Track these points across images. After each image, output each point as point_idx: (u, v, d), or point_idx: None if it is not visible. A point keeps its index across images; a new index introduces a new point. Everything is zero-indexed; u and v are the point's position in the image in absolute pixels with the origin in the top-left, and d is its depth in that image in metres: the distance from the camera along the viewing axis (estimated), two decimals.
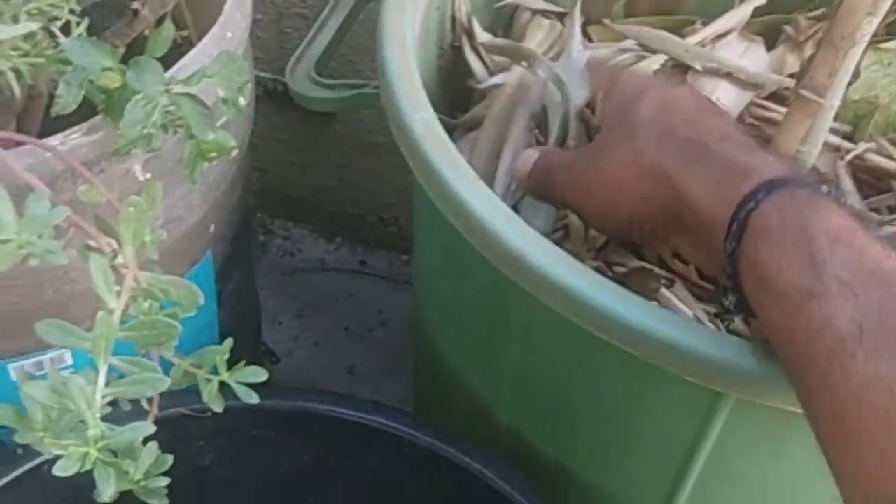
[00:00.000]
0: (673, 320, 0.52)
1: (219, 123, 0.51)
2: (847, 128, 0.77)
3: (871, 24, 0.62)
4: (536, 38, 0.79)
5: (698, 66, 0.76)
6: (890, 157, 0.77)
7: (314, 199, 1.20)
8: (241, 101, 0.51)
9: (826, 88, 0.61)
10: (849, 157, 0.76)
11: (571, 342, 0.58)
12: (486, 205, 0.56)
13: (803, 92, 0.62)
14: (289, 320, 1.16)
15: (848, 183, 0.76)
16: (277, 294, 1.18)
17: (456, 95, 0.77)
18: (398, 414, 0.69)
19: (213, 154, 0.51)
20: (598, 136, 0.62)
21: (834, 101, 0.67)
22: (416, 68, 0.62)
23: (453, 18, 0.76)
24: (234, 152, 0.52)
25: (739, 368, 0.51)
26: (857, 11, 0.58)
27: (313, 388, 1.10)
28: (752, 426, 0.58)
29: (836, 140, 0.77)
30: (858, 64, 0.77)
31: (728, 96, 0.76)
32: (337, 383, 1.12)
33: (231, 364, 0.56)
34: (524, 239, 0.55)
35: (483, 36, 0.77)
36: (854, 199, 0.74)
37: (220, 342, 0.74)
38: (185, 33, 0.74)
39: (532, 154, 0.64)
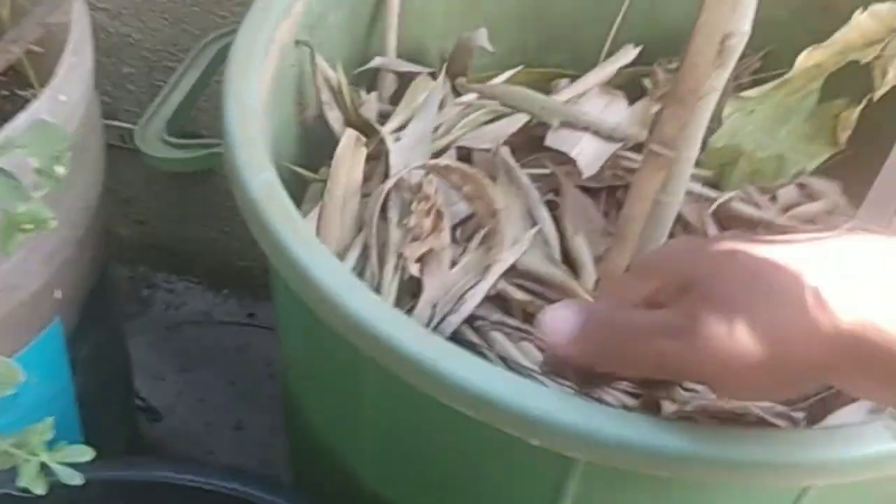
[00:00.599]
0: (511, 383, 0.51)
1: (39, 194, 0.49)
2: (709, 174, 0.77)
3: (721, 78, 0.62)
4: (419, 98, 0.79)
5: (555, 123, 0.76)
6: (756, 205, 0.78)
7: (198, 251, 1.18)
8: (59, 170, 0.49)
9: (675, 142, 0.61)
10: (713, 207, 0.76)
11: (417, 406, 0.56)
12: (326, 270, 0.54)
13: (653, 146, 0.62)
14: (172, 376, 1.13)
15: (714, 231, 0.76)
16: (161, 350, 1.15)
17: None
18: (256, 480, 0.67)
19: (29, 226, 0.48)
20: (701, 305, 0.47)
21: (690, 153, 0.67)
22: (261, 131, 0.61)
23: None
24: (53, 224, 0.49)
25: (585, 432, 0.50)
26: (700, 67, 0.58)
27: (174, 456, 1.06)
28: (607, 491, 0.57)
29: (700, 189, 0.77)
30: (719, 112, 0.80)
31: (589, 149, 0.76)
32: (223, 440, 1.09)
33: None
34: (364, 304, 0.53)
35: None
36: None
37: (79, 409, 0.71)
38: (29, 92, 0.72)
39: (569, 314, 0.51)
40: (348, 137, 0.72)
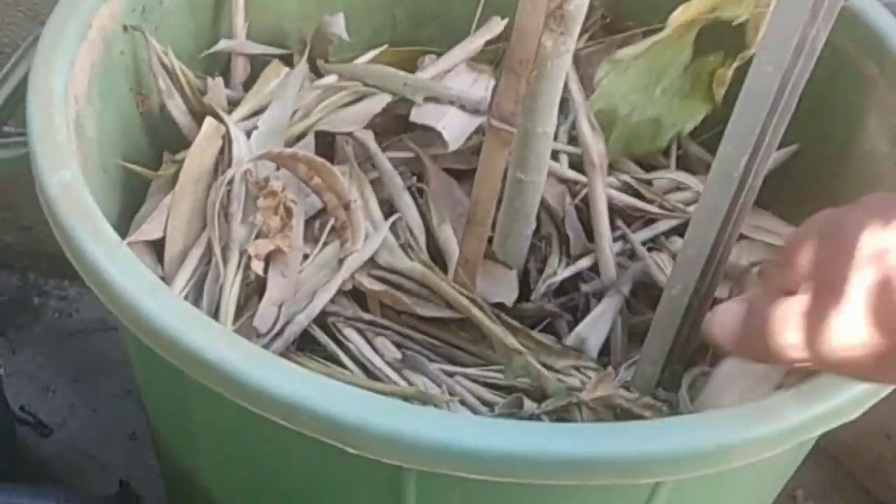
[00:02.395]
0: (320, 387, 0.47)
1: None
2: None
3: (563, 45, 0.58)
4: (271, 85, 0.74)
5: (419, 99, 0.72)
6: (636, 193, 0.74)
7: None
8: None
9: (514, 115, 0.57)
10: (576, 200, 0.72)
11: (235, 415, 0.52)
12: (128, 275, 0.50)
13: (493, 121, 0.58)
14: (64, 387, 1.08)
15: (574, 221, 0.72)
16: (52, 360, 1.10)
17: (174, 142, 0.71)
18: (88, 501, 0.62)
19: None
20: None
21: (544, 127, 0.63)
22: (68, 124, 0.56)
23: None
24: None
25: (401, 438, 0.46)
26: (530, 34, 0.54)
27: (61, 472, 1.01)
28: (451, 498, 0.53)
29: (569, 174, 0.73)
30: (591, 76, 0.76)
31: (454, 122, 0.72)
32: (118, 451, 1.04)
33: None
34: (166, 308, 0.49)
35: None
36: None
37: None
38: None
39: (736, 309, 0.49)
40: (207, 126, 0.68)
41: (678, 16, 0.71)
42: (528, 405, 0.60)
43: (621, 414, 0.60)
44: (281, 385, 0.47)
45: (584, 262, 0.71)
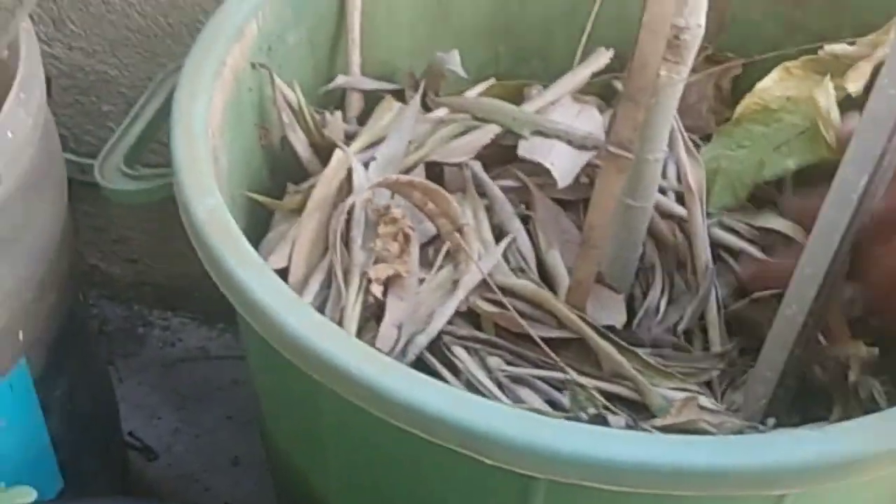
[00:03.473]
0: (457, 400, 0.49)
1: None
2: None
3: (677, 74, 0.61)
4: (384, 119, 0.77)
5: (526, 133, 0.74)
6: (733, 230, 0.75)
7: (191, 286, 1.16)
8: None
9: (631, 142, 0.59)
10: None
11: (371, 430, 0.54)
12: (272, 293, 0.53)
13: (609, 147, 0.60)
14: (168, 414, 1.12)
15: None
16: (157, 388, 1.14)
17: (291, 174, 0.75)
18: None
19: None
20: None
21: (655, 154, 0.65)
22: (209, 155, 0.59)
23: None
24: None
25: (543, 449, 0.48)
26: (649, 64, 0.56)
27: (169, 495, 1.04)
28: None
29: (676, 208, 0.74)
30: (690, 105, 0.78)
31: (563, 158, 0.74)
32: (220, 475, 1.07)
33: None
34: (308, 326, 0.52)
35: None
36: None
37: (55, 450, 0.70)
38: None
39: None
40: (336, 159, 0.71)
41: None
42: (615, 422, 0.62)
43: None
44: (419, 396, 0.49)
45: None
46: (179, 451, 1.09)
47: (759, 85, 0.73)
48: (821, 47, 0.72)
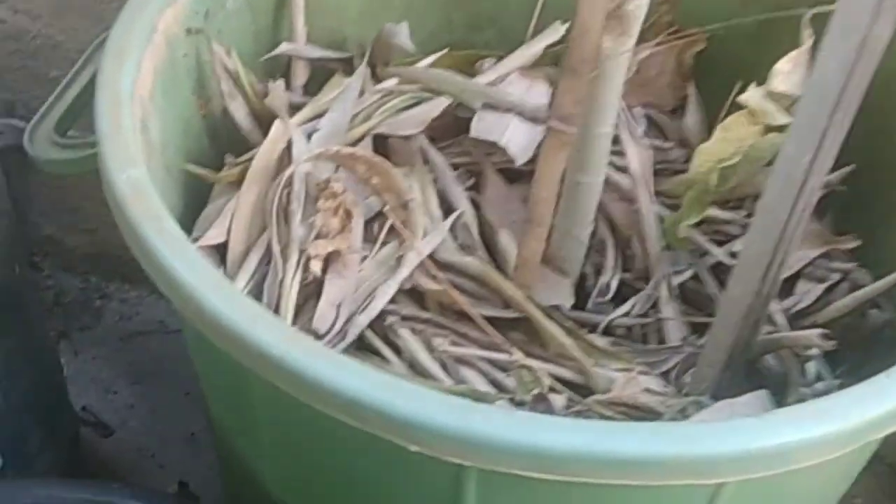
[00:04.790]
0: (383, 385, 0.47)
1: None
2: None
3: (622, 46, 0.58)
4: (334, 93, 0.75)
5: (477, 105, 0.72)
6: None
7: None
8: None
9: (574, 116, 0.57)
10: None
11: (299, 412, 0.52)
12: (194, 272, 0.51)
13: (552, 122, 0.58)
14: (124, 388, 1.10)
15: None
16: (113, 362, 1.12)
17: (236, 144, 0.72)
18: (149, 496, 0.63)
19: None
20: None
21: (602, 128, 0.63)
22: (135, 125, 0.57)
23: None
24: None
25: (469, 436, 0.46)
26: (590, 34, 0.54)
27: (124, 471, 1.03)
28: (512, 497, 0.53)
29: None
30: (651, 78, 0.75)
31: (519, 132, 0.72)
32: (176, 451, 1.06)
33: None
34: (229, 305, 0.50)
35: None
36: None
37: None
38: None
39: None
40: (275, 129, 0.69)
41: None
42: (559, 403, 0.60)
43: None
44: (344, 382, 0.47)
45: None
46: (134, 427, 1.07)
47: (703, 145, 0.70)
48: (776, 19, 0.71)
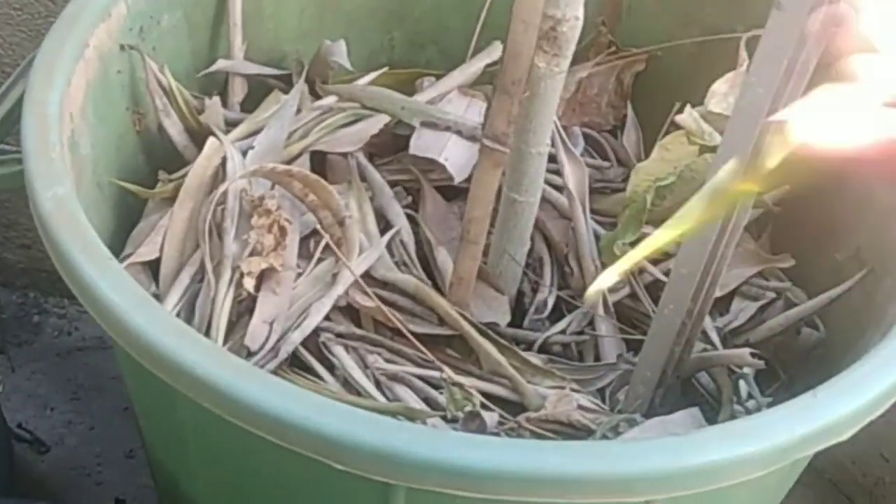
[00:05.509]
0: (306, 403, 0.47)
1: None
2: None
3: (556, 67, 0.59)
4: (271, 110, 0.74)
5: (416, 122, 0.72)
6: None
7: None
8: None
9: (506, 136, 0.58)
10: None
11: (222, 431, 0.52)
12: (118, 290, 0.50)
13: (484, 141, 0.58)
14: (62, 405, 1.08)
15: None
16: (51, 378, 1.10)
17: (171, 161, 0.72)
18: None
19: None
20: None
21: (538, 148, 0.63)
22: (61, 141, 0.56)
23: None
24: None
25: (393, 455, 0.46)
26: (522, 55, 0.54)
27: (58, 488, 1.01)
28: None
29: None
30: (592, 98, 0.76)
31: (457, 150, 0.72)
32: (114, 468, 1.04)
33: None
34: (155, 324, 0.49)
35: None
36: None
37: None
38: None
39: None
40: (209, 146, 0.68)
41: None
42: (491, 420, 0.60)
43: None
44: (267, 401, 0.47)
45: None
46: (72, 444, 1.05)
47: (641, 164, 0.71)
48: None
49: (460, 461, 0.46)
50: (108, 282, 0.50)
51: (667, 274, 0.71)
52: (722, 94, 0.70)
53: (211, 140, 0.67)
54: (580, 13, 0.56)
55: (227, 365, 0.48)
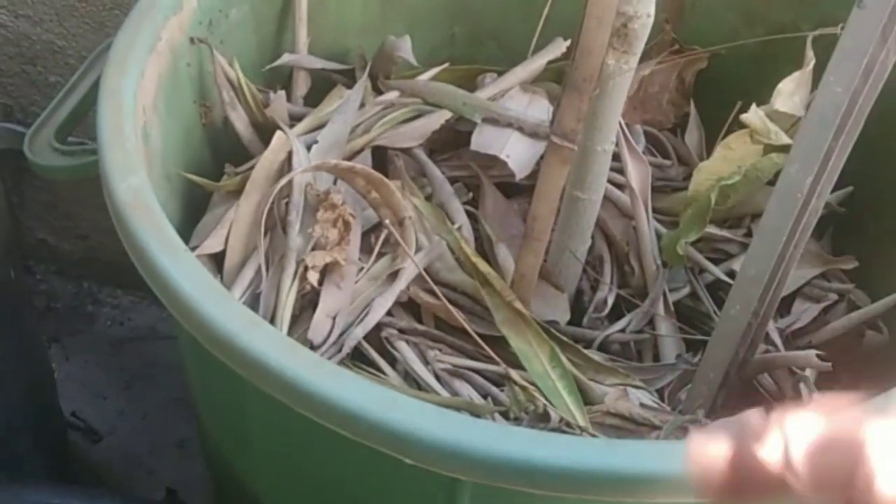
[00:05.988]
0: (379, 398, 0.47)
1: None
2: None
3: (626, 64, 0.59)
4: (335, 105, 0.75)
5: (478, 119, 0.72)
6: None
7: None
8: None
9: (575, 133, 0.57)
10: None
11: (295, 424, 0.52)
12: (192, 280, 0.51)
13: (553, 138, 0.58)
14: (115, 394, 1.09)
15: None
16: (104, 367, 1.11)
17: (236, 154, 0.72)
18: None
19: None
20: None
21: (603, 145, 0.63)
22: (136, 132, 0.57)
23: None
24: None
25: (466, 452, 0.46)
26: (594, 52, 0.54)
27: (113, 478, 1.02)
28: None
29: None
30: (653, 96, 0.76)
31: (519, 147, 0.72)
32: (166, 458, 1.05)
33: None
34: (229, 314, 0.49)
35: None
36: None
37: None
38: None
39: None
40: (277, 139, 0.69)
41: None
42: (554, 417, 0.60)
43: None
44: (341, 394, 0.47)
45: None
46: (124, 433, 1.07)
47: (704, 163, 0.71)
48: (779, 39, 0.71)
49: (530, 458, 0.46)
50: (182, 272, 0.51)
51: (728, 274, 0.70)
52: (788, 92, 0.70)
53: (278, 134, 0.67)
54: (652, 10, 0.56)
55: (299, 357, 0.48)
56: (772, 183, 0.65)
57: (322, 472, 0.57)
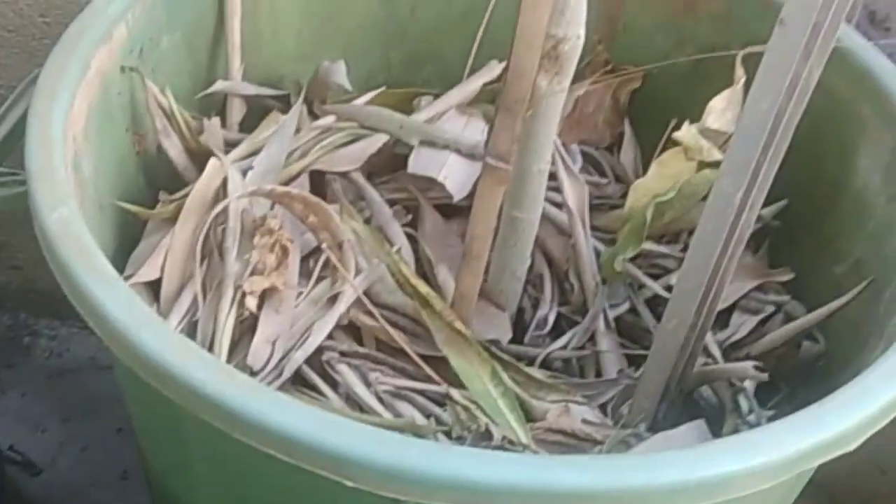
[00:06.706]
0: (316, 420, 0.47)
1: None
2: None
3: (558, 85, 0.59)
4: (270, 130, 0.74)
5: (415, 141, 0.72)
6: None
7: None
8: None
9: (510, 154, 0.58)
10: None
11: (231, 450, 0.52)
12: (125, 310, 0.50)
13: (487, 159, 0.58)
14: (54, 426, 1.07)
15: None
16: (42, 399, 1.09)
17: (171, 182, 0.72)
18: None
19: None
20: None
21: (539, 165, 0.64)
22: (66, 163, 0.56)
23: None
24: None
25: (404, 472, 0.46)
26: (525, 74, 0.55)
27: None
28: None
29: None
30: (588, 116, 0.77)
31: (456, 168, 0.73)
32: (108, 490, 1.03)
33: None
34: (164, 343, 0.49)
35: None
36: None
37: None
38: None
39: None
40: (211, 166, 0.68)
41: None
42: (497, 435, 0.60)
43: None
44: (278, 418, 0.46)
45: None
46: (65, 466, 1.05)
47: (639, 181, 0.72)
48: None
49: (471, 477, 0.46)
50: (116, 301, 0.50)
51: (666, 289, 0.71)
52: (720, 110, 0.71)
53: (212, 160, 0.67)
54: (582, 32, 0.57)
55: (235, 383, 0.48)
56: (706, 198, 0.66)
57: (263, 498, 0.56)
